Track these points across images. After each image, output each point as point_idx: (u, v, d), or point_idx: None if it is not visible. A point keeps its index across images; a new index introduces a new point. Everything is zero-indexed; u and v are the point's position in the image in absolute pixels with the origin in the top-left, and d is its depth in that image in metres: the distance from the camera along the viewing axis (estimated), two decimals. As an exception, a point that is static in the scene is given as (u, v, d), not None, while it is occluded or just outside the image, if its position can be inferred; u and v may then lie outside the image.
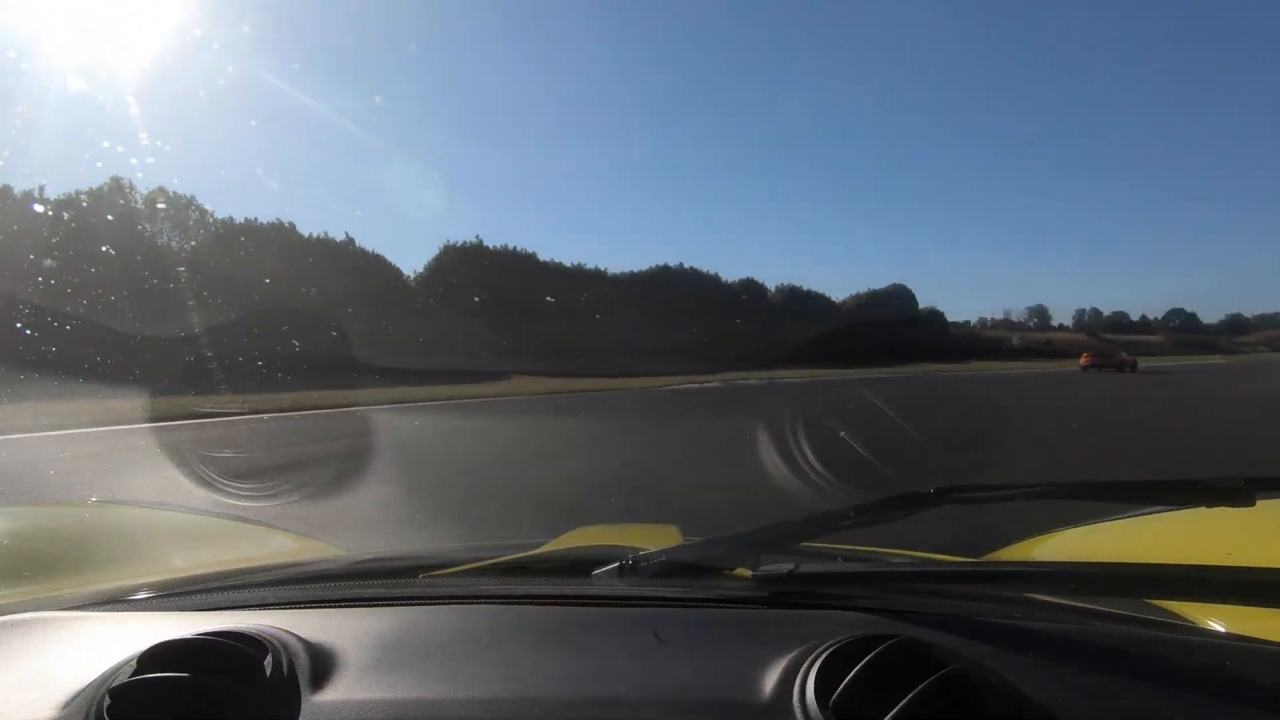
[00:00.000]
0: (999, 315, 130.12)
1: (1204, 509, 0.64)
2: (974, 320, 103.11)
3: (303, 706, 0.52)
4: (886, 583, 0.70)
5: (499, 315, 40.84)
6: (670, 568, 0.71)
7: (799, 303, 60.53)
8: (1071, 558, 1.01)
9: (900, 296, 72.93)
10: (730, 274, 63.15)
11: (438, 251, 46.91)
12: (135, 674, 0.53)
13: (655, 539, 0.87)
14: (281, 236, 39.27)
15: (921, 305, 79.59)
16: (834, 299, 67.10)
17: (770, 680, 0.52)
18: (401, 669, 0.57)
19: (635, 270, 54.65)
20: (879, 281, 77.57)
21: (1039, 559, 1.03)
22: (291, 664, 0.56)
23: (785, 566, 0.67)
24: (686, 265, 56.07)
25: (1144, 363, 37.04)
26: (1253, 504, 0.60)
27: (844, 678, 0.48)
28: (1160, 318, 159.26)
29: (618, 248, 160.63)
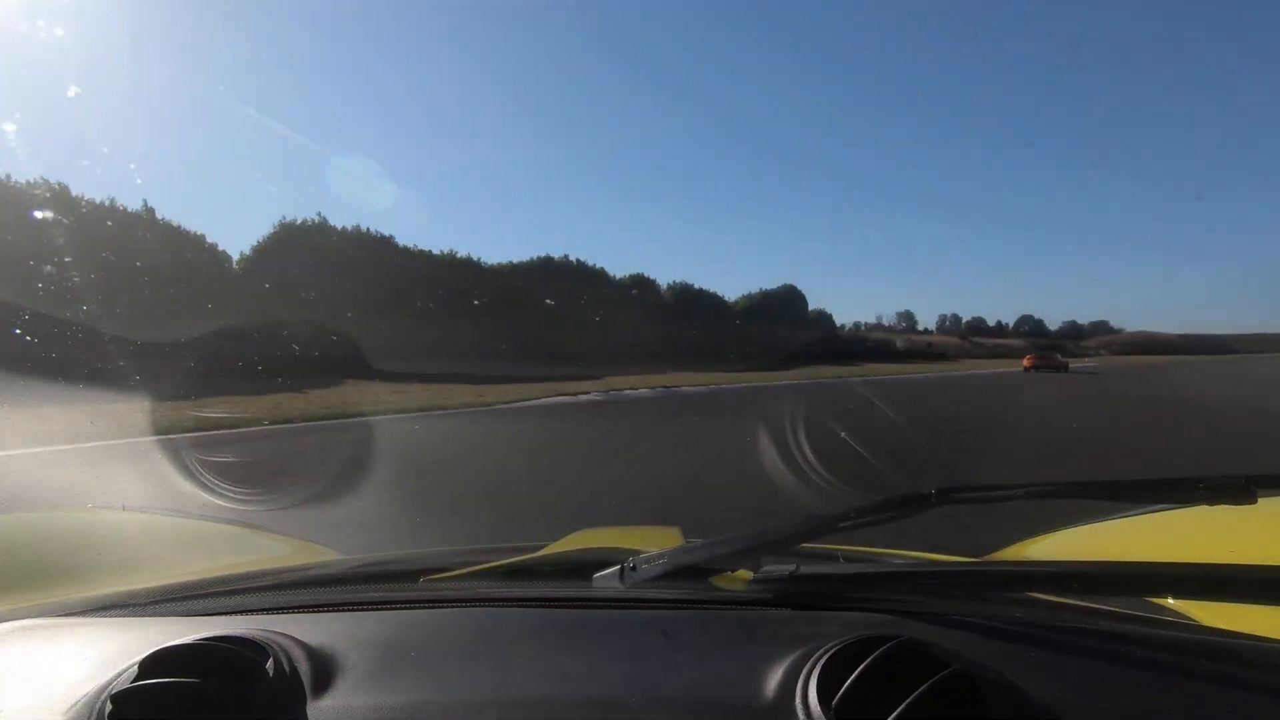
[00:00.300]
0: (872, 320, 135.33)
1: (1205, 507, 0.63)
2: (848, 324, 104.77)
3: (304, 710, 0.52)
4: (888, 583, 0.70)
5: (344, 308, 33.88)
6: (672, 570, 0.70)
7: (692, 301, 57.12)
8: (1072, 557, 1.01)
9: (792, 298, 71.65)
10: (619, 269, 58.58)
11: (271, 230, 38.73)
12: (137, 679, 0.53)
13: (656, 541, 0.86)
14: (46, 200, 30.19)
15: (810, 307, 79.37)
16: (727, 298, 64.43)
17: (773, 682, 0.52)
18: (403, 672, 0.57)
19: (515, 261, 48.66)
20: (767, 282, 75.98)
21: (1040, 559, 1.03)
22: (293, 668, 0.56)
23: (786, 568, 0.68)
24: (572, 258, 50.88)
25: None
26: (1254, 502, 0.60)
27: (846, 679, 0.48)
28: (1012, 324, 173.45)
29: (498, 238, 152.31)
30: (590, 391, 17.70)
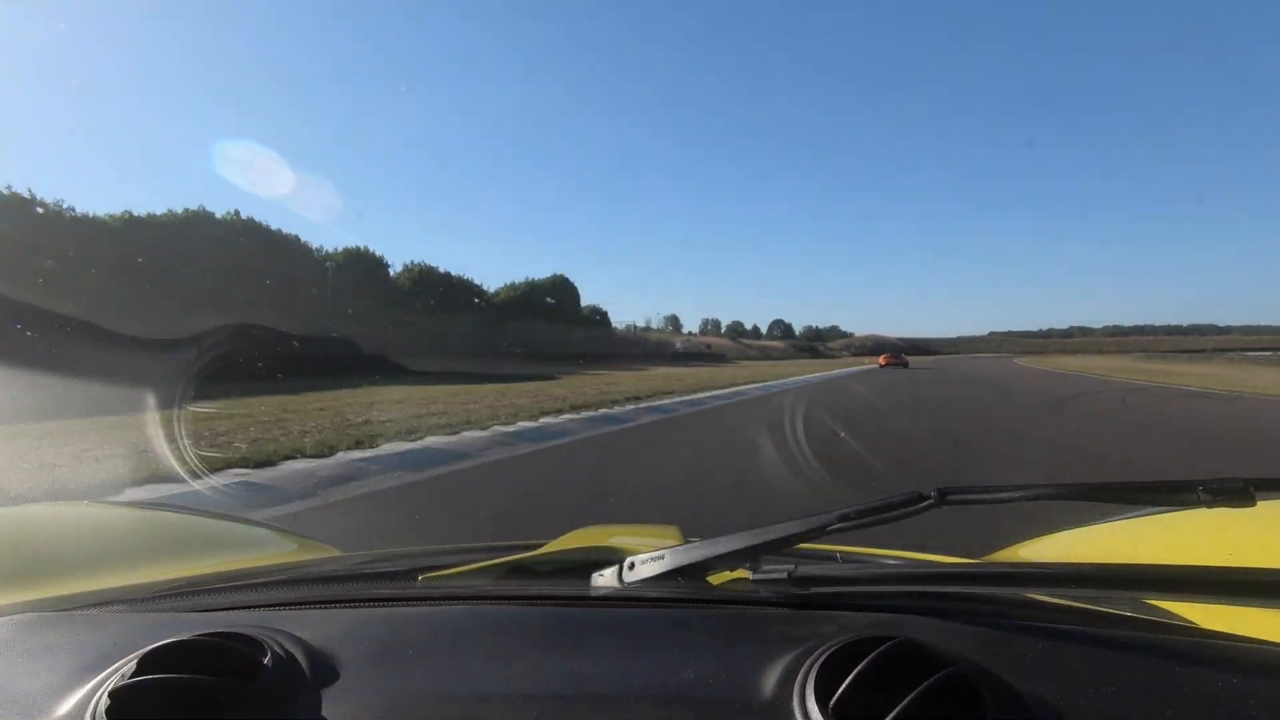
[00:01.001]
0: (641, 323, 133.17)
1: (1204, 509, 0.62)
2: (621, 325, 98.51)
3: (303, 707, 0.52)
4: (886, 584, 0.69)
5: None
6: (670, 569, 0.70)
7: (436, 287, 44.08)
8: (1071, 558, 1.03)
9: (563, 289, 61.93)
10: (335, 243, 43.40)
11: None
12: (135, 675, 0.52)
13: (655, 539, 0.86)
14: None
15: (585, 303, 70.53)
16: (486, 288, 52.37)
17: (770, 682, 0.52)
18: (401, 669, 0.57)
19: (138, 214, 31.47)
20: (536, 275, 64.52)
21: (1039, 559, 1.04)
22: (292, 664, 0.56)
23: (785, 568, 0.68)
24: (244, 215, 34.93)
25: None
26: (1253, 504, 0.59)
27: (844, 679, 0.48)
28: (765, 328, 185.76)
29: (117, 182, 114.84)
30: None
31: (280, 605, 0.75)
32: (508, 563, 0.84)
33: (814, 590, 0.66)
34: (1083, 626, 0.60)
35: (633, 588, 0.70)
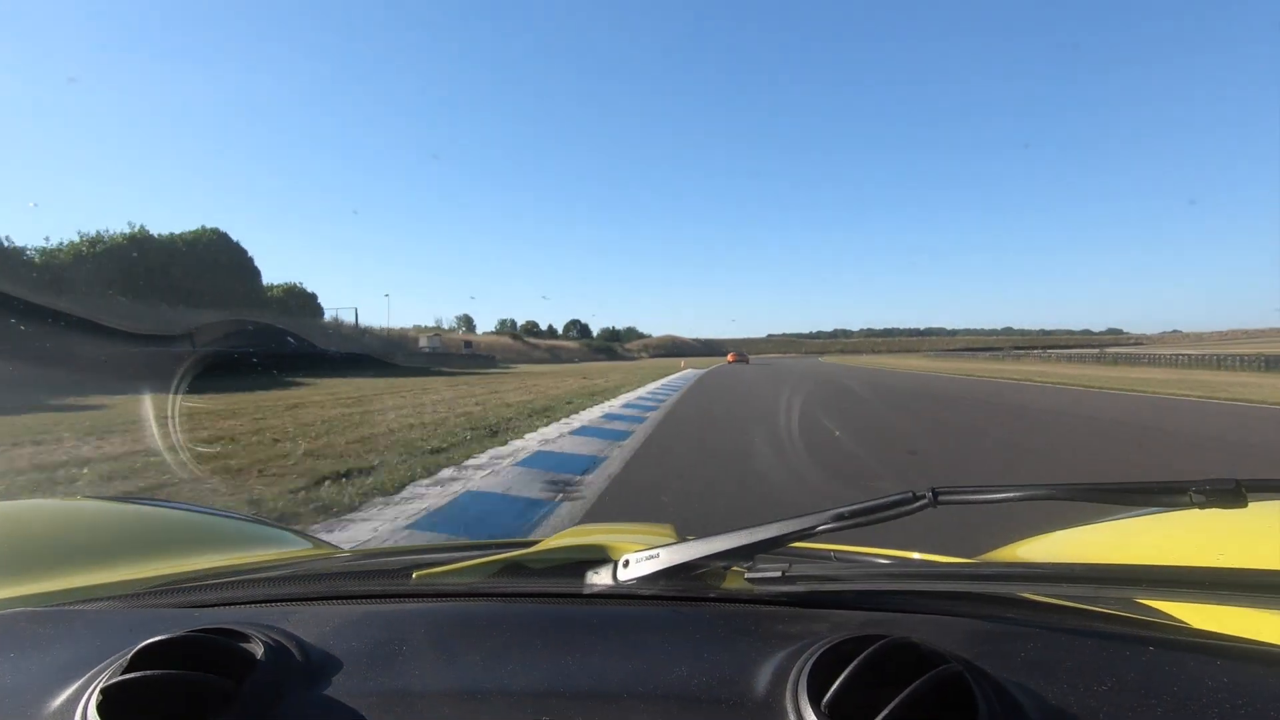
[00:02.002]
0: (431, 324, 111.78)
1: (1196, 510, 0.62)
2: (376, 327, 76.19)
3: (295, 703, 0.52)
4: (879, 583, 0.70)
5: None
6: (665, 567, 0.71)
7: None
8: (1064, 558, 1.04)
9: (213, 251, 39.12)
10: None
11: None
12: (127, 671, 0.52)
13: (650, 538, 0.85)
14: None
15: (280, 281, 48.10)
16: (20, 244, 28.85)
17: (763, 680, 0.53)
18: (395, 666, 0.57)
19: None
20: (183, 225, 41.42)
21: (1032, 560, 1.06)
22: (285, 660, 0.56)
23: (779, 567, 0.69)
24: None
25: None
26: (1244, 505, 0.60)
27: (837, 677, 0.49)
28: (561, 329, 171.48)
29: None
30: None
31: (274, 601, 0.75)
32: (502, 560, 0.83)
33: (807, 589, 0.66)
34: (1075, 626, 0.60)
35: (627, 585, 0.70)
